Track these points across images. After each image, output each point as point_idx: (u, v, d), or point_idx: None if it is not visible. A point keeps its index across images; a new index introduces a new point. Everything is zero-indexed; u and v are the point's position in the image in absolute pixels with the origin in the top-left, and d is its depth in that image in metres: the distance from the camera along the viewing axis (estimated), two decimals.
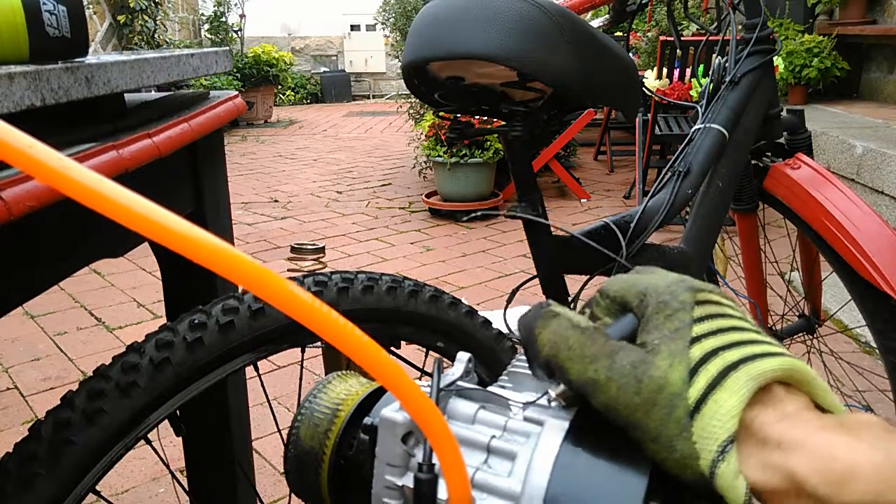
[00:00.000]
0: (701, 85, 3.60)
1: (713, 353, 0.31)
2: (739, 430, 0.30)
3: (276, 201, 4.39)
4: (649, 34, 5.03)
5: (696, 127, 1.04)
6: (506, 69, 0.74)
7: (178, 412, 0.64)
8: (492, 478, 0.32)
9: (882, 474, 0.27)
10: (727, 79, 1.09)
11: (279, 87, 8.75)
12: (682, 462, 0.30)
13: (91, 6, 6.06)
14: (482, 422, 0.35)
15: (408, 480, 0.33)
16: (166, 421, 0.64)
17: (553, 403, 0.34)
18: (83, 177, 0.22)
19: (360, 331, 0.26)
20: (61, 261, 0.70)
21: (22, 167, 0.22)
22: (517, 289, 0.94)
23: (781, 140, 1.25)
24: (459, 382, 0.37)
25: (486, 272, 2.99)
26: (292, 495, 0.43)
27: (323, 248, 1.31)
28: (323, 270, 0.88)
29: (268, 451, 1.71)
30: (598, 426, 0.33)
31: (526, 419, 0.34)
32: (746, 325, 0.34)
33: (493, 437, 0.33)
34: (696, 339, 0.32)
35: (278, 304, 0.25)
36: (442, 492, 0.31)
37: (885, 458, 0.27)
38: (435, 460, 0.31)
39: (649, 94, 1.43)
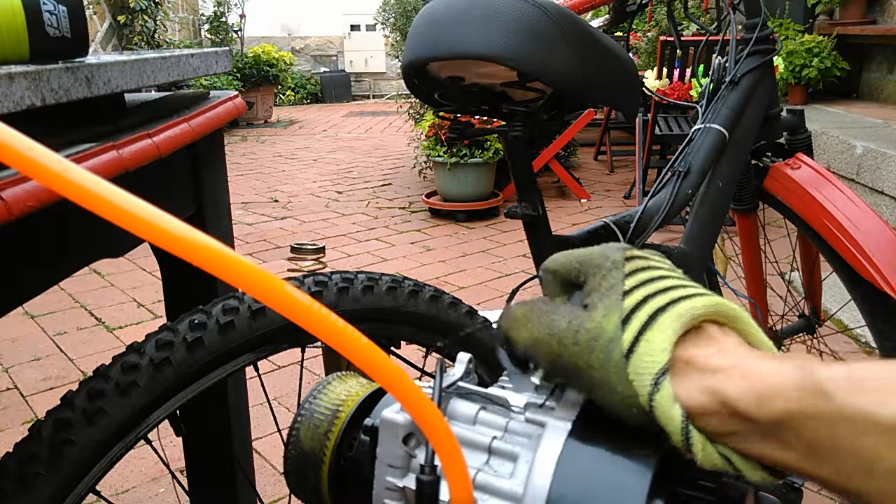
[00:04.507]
0: (701, 85, 3.60)
1: (643, 301, 0.34)
2: (678, 365, 0.33)
3: (276, 201, 4.38)
4: (649, 34, 5.03)
5: (696, 127, 1.04)
6: (506, 69, 0.74)
7: (178, 412, 0.64)
8: (493, 479, 0.32)
9: (799, 391, 0.29)
10: (727, 79, 1.09)
11: (279, 87, 8.74)
12: (626, 402, 0.33)
13: (91, 6, 6.05)
14: (483, 423, 0.34)
15: (409, 482, 0.33)
16: (166, 421, 0.64)
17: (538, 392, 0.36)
18: (82, 179, 0.22)
19: (359, 333, 0.26)
20: (62, 260, 0.70)
21: (22, 169, 0.22)
22: (517, 289, 0.94)
23: (781, 140, 1.25)
24: (460, 383, 0.36)
25: (486, 272, 2.99)
26: (292, 495, 0.43)
27: (323, 248, 1.31)
28: (323, 270, 0.87)
29: (268, 451, 1.71)
30: (600, 427, 0.33)
31: (527, 420, 0.34)
32: (672, 273, 0.37)
33: (495, 438, 0.33)
34: (628, 292, 0.35)
35: (276, 307, 0.25)
36: (443, 493, 0.31)
37: (802, 378, 0.29)
38: (436, 462, 0.31)
39: (649, 94, 1.43)
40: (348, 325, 0.26)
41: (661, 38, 4.01)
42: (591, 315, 0.34)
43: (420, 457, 0.33)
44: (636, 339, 0.33)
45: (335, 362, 1.05)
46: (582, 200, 4.17)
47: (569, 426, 0.33)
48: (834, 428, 0.28)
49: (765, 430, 0.30)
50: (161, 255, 0.94)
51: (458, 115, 0.91)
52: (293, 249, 1.31)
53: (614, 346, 0.33)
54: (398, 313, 0.75)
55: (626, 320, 0.33)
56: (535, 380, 0.37)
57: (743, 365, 0.31)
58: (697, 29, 4.25)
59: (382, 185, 4.78)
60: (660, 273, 0.36)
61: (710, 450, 0.31)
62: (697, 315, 0.33)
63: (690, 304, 0.34)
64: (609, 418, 0.33)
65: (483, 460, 0.33)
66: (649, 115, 3.76)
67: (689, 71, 3.77)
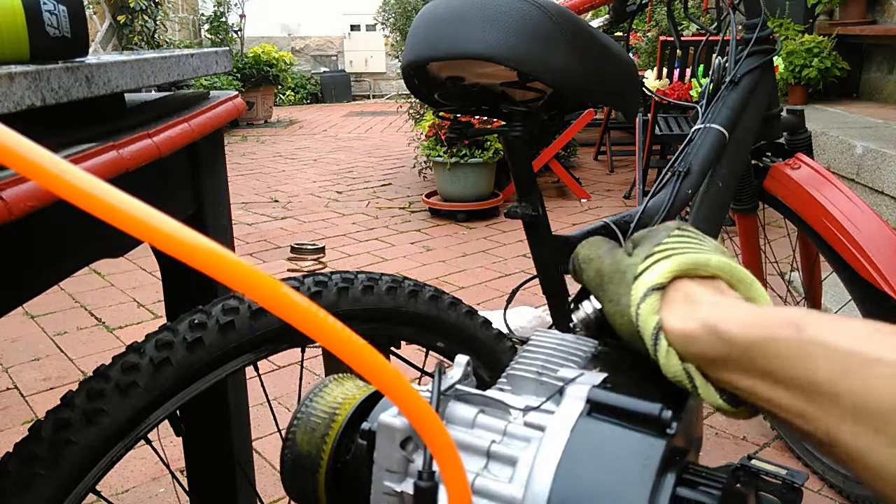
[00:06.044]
0: (701, 85, 3.59)
1: (671, 250, 0.42)
2: (675, 296, 0.39)
3: (276, 201, 4.38)
4: (649, 34, 5.02)
5: (696, 127, 1.03)
6: (506, 69, 0.74)
7: (178, 412, 0.64)
8: (492, 484, 0.31)
9: (779, 322, 0.34)
10: (727, 79, 1.09)
11: (279, 87, 8.74)
12: (623, 312, 0.41)
13: (91, 6, 6.05)
14: (482, 426, 0.34)
15: (406, 486, 0.32)
16: (166, 421, 0.64)
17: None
18: (79, 180, 0.22)
19: (356, 335, 0.26)
20: (61, 261, 0.70)
21: (20, 170, 0.22)
22: (517, 289, 0.94)
23: (781, 140, 1.24)
24: (458, 386, 0.36)
25: (486, 272, 2.99)
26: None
27: (323, 248, 1.31)
28: (323, 270, 0.87)
29: (268, 451, 1.70)
30: (600, 432, 0.32)
31: (526, 424, 0.34)
32: (710, 244, 0.44)
33: (493, 441, 0.33)
34: (661, 244, 0.43)
35: (273, 309, 0.25)
36: (442, 499, 0.31)
37: (782, 316, 0.35)
38: (435, 467, 0.31)
39: (649, 94, 1.43)
40: (345, 327, 0.26)
41: (661, 38, 4.00)
42: (632, 258, 0.43)
43: (418, 461, 0.32)
44: (647, 268, 0.41)
45: (335, 363, 1.05)
46: (582, 200, 4.17)
47: (569, 430, 0.32)
48: (799, 354, 0.32)
49: (739, 355, 0.34)
50: (161, 255, 0.94)
51: (458, 115, 0.91)
52: (293, 249, 1.31)
53: (632, 269, 0.42)
54: (398, 313, 0.75)
55: (649, 258, 0.42)
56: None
57: (736, 303, 0.38)
58: (697, 29, 4.25)
59: (382, 185, 4.77)
60: (697, 241, 0.43)
61: (675, 362, 0.37)
62: (703, 263, 0.40)
63: (706, 256, 0.40)
64: (609, 422, 0.33)
65: (482, 464, 0.33)
66: (649, 115, 3.76)
67: (689, 71, 3.76)
